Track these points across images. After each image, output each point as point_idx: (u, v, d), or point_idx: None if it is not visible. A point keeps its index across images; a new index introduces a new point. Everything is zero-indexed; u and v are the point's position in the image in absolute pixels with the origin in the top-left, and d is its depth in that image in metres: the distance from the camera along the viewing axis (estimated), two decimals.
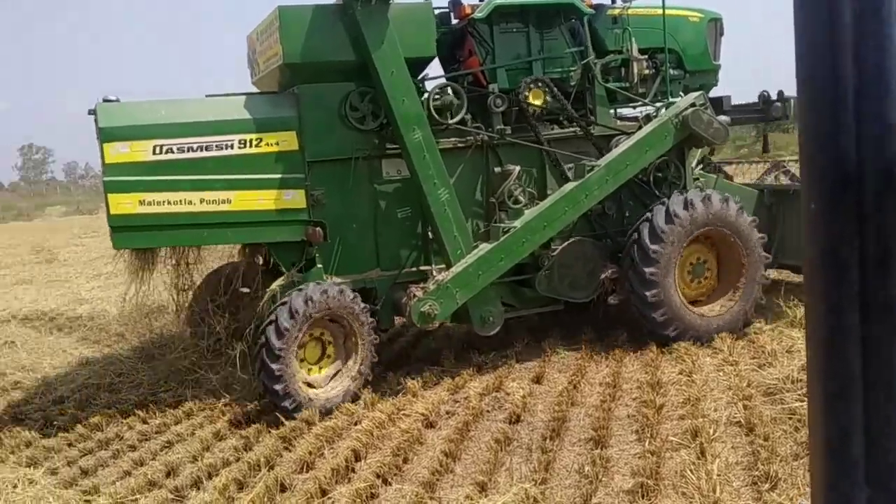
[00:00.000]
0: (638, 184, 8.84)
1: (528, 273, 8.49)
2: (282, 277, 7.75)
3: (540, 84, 8.42)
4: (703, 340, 8.27)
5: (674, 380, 7.14)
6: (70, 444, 7.13)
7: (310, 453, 6.13)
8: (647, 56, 9.14)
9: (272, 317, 7.11)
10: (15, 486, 5.98)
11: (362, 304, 7.55)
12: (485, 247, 7.90)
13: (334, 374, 7.53)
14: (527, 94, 8.37)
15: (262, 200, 7.59)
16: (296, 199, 7.70)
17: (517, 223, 7.97)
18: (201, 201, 7.36)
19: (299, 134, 7.68)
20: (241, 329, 8.04)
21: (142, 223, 7.24)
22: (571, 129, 8.81)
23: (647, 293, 8.10)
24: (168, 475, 6.15)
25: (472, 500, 5.11)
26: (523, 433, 6.29)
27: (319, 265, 7.80)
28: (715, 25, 9.78)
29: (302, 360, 7.33)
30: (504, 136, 8.36)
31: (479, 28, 8.49)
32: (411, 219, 8.26)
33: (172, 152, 7.31)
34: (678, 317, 8.22)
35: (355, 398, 7.33)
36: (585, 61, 8.71)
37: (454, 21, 8.72)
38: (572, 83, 8.79)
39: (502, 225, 7.98)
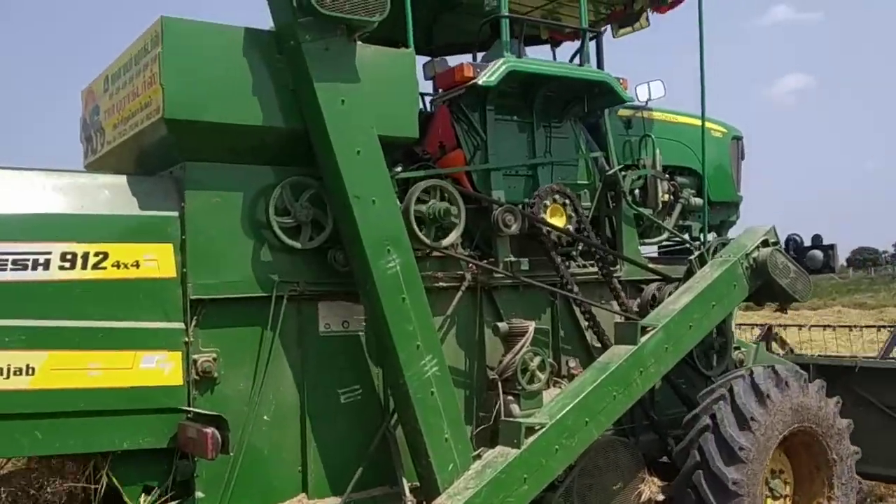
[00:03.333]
0: None
1: None
2: None
3: (560, 198, 5.53)
4: None
5: None
6: None
7: None
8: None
9: None
10: None
11: None
12: (495, 458, 4.59)
13: None
14: (542, 210, 5.44)
15: (97, 370, 3.95)
16: (164, 368, 4.12)
17: (544, 417, 4.78)
18: None
19: (180, 250, 4.22)
20: None
21: None
22: (592, 270, 5.90)
23: None
24: None
25: None
26: None
27: (200, 493, 4.15)
28: (737, 146, 7.45)
29: None
30: (517, 273, 5.29)
31: (466, 108, 5.53)
32: (364, 406, 4.83)
33: None
34: None
35: None
36: (612, 171, 5.98)
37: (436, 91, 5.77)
38: (588, 202, 6.01)
39: (522, 420, 4.73)
